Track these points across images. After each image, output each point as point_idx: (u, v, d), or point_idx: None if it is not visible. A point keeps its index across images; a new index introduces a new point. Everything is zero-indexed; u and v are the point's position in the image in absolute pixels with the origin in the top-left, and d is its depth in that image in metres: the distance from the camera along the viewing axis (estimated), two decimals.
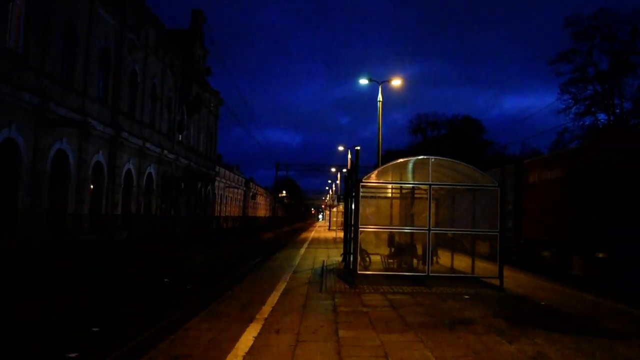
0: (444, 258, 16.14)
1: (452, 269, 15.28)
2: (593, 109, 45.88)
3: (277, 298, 10.77)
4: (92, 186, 25.97)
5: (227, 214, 59.66)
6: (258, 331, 7.74)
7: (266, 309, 9.47)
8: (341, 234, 28.83)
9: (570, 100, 46.14)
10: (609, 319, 9.39)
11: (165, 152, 36.64)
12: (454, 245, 16.56)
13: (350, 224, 15.49)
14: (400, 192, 17.22)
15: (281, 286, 12.49)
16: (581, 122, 45.98)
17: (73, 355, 8.42)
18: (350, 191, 16.25)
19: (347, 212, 17.65)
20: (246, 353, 6.64)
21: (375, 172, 14.00)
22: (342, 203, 39.18)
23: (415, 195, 16.06)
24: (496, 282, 12.60)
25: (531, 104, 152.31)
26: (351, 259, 13.87)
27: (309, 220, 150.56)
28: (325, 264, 18.05)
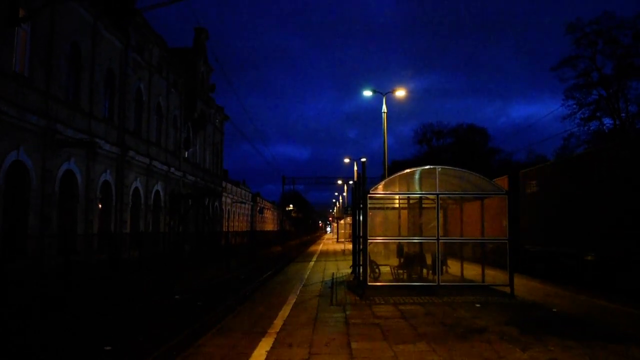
0: (453, 267, 16.10)
1: (462, 278, 15.24)
2: (598, 114, 45.80)
3: (288, 312, 10.77)
4: (100, 206, 26.07)
5: (235, 229, 59.66)
6: (271, 345, 7.74)
7: (278, 323, 9.47)
8: (349, 246, 28.82)
9: (574, 106, 46.12)
10: (623, 324, 9.33)
11: (172, 169, 36.79)
12: (463, 254, 16.53)
13: (358, 235, 15.49)
14: (408, 203, 17.21)
15: (292, 300, 12.49)
16: (587, 127, 45.90)
17: None
18: (357, 203, 16.26)
19: (355, 224, 17.64)
20: None
21: (382, 183, 14.02)
22: (350, 215, 39.16)
23: (423, 205, 16.06)
24: (507, 289, 12.54)
25: (538, 111, 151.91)
26: (360, 270, 13.86)
27: (317, 233, 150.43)
28: (334, 277, 18.03)
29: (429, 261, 14.68)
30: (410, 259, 15.34)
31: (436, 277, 12.92)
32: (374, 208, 16.37)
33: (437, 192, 12.99)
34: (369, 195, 13.28)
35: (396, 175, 13.78)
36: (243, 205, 71.01)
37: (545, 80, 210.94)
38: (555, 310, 10.79)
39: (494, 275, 13.84)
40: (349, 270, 18.95)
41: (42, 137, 20.39)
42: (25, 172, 19.50)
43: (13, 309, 13.51)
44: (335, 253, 35.77)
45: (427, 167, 13.47)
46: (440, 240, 12.97)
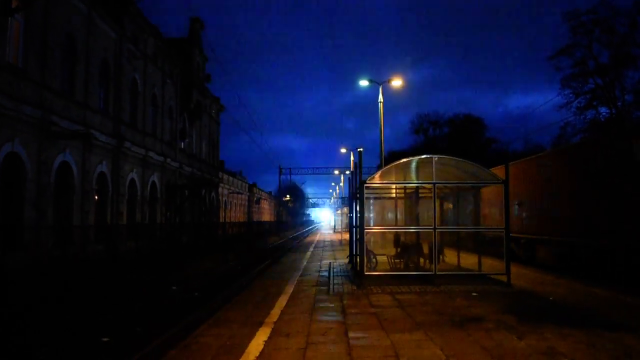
0: (450, 256, 16.13)
1: (458, 267, 15.26)
2: (594, 103, 45.70)
3: (285, 302, 10.78)
4: (96, 197, 25.99)
5: (231, 219, 59.67)
6: (268, 335, 7.75)
7: (275, 313, 9.48)
8: (346, 236, 28.88)
9: (571, 95, 45.95)
10: (618, 312, 9.37)
11: (168, 160, 36.68)
12: (459, 243, 16.55)
13: (355, 225, 15.50)
14: (405, 192, 17.21)
15: (289, 289, 12.50)
16: (583, 116, 45.84)
17: None
18: (354, 193, 16.26)
19: (352, 214, 17.66)
20: (257, 357, 6.66)
21: (379, 172, 14.01)
22: (347, 205, 39.21)
23: (420, 195, 16.06)
24: (503, 278, 12.58)
25: (535, 102, 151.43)
26: (357, 260, 13.88)
27: (313, 224, 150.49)
28: (332, 266, 18.05)
29: (425, 250, 14.70)
30: (407, 249, 15.36)
31: (433, 266, 12.94)
32: (371, 198, 16.39)
33: (434, 182, 12.99)
34: (365, 184, 13.27)
35: (393, 164, 13.77)
36: (240, 195, 70.95)
37: (542, 71, 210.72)
38: (552, 298, 10.83)
39: (491, 264, 13.88)
40: (346, 260, 18.99)
41: (38, 129, 20.28)
42: (20, 164, 19.40)
43: (13, 309, 13.50)
44: (332, 243, 35.82)
45: (424, 156, 13.44)
46: (437, 230, 12.98)
